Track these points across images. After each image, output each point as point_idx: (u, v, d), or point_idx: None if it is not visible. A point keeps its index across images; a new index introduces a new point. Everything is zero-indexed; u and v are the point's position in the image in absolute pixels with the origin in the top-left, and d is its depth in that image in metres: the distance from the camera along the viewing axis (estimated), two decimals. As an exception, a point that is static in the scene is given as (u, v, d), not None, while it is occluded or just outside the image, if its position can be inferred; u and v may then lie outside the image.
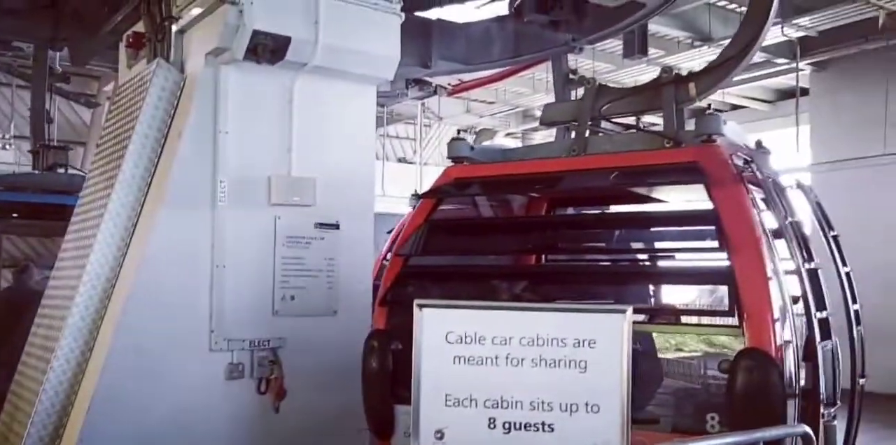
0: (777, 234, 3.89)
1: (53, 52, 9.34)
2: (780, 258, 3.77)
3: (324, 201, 5.69)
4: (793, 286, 3.79)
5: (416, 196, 5.70)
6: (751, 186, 3.93)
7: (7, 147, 13.86)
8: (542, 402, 2.90)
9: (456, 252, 4.82)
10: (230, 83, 5.38)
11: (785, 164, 13.48)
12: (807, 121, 14.08)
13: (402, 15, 5.91)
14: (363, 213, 5.97)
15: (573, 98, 7.24)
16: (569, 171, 4.54)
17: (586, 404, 2.86)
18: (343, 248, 5.75)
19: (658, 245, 5.20)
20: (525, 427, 2.91)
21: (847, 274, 4.63)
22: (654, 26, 10.31)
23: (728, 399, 3.45)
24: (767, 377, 3.36)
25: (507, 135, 18.42)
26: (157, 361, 5.05)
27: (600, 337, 2.87)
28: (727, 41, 4.91)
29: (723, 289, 3.73)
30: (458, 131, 16.77)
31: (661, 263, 5.23)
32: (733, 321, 3.55)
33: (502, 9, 7.85)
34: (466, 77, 10.49)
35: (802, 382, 3.58)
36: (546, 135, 15.07)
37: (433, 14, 7.68)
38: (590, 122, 4.66)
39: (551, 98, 9.34)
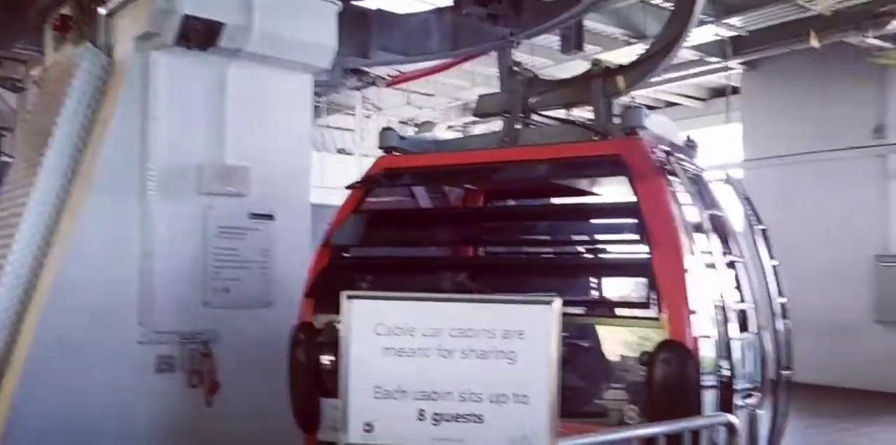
0: (698, 227, 3.92)
1: (-23, 35, 8.99)
2: (702, 251, 3.82)
3: (258, 191, 5.61)
4: (715, 279, 3.86)
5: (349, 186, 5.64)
6: (673, 179, 3.96)
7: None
8: (472, 393, 2.90)
9: (382, 242, 4.79)
10: (160, 69, 5.27)
11: (718, 161, 13.86)
12: (739, 119, 14.43)
13: (340, 3, 5.87)
14: (299, 204, 5.92)
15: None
16: (499, 162, 4.55)
17: (514, 395, 2.87)
18: (279, 239, 5.69)
19: (585, 237, 5.22)
20: (455, 418, 2.91)
21: (774, 267, 4.74)
22: (590, 23, 10.42)
23: (647, 390, 3.50)
24: (683, 368, 3.41)
25: (448, 127, 18.43)
26: (84, 354, 4.93)
27: (528, 328, 2.88)
28: (660, 38, 4.98)
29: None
30: (399, 123, 16.74)
31: (587, 255, 5.21)
32: (654, 313, 3.59)
33: (442, 0, 7.84)
34: (406, 68, 10.44)
35: (724, 373, 3.65)
36: (485, 129, 15.11)
37: (372, 4, 7.63)
38: (521, 114, 4.69)
39: (491, 91, 9.34)
